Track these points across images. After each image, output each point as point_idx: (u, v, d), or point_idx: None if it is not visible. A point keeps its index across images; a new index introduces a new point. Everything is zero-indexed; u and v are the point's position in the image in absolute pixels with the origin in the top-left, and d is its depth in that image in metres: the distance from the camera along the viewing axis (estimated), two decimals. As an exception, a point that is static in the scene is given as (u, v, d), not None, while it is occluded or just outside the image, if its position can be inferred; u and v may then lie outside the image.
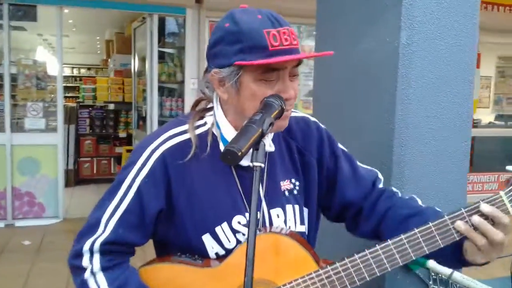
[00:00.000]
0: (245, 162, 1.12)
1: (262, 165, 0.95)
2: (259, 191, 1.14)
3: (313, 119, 1.32)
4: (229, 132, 1.16)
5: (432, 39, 1.66)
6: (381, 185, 1.32)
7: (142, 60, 6.78)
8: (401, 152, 1.68)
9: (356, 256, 1.07)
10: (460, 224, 1.03)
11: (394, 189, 1.32)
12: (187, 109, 6.16)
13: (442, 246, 1.04)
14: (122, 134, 7.89)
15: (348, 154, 1.32)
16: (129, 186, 1.12)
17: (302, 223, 1.23)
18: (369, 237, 1.27)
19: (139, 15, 6.35)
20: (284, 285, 1.10)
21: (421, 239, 1.04)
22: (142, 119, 6.78)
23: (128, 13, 6.65)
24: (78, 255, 1.11)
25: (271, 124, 0.99)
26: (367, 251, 1.06)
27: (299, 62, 1.10)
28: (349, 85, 1.91)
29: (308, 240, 1.23)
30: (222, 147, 1.15)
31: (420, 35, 1.64)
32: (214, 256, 1.16)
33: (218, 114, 1.18)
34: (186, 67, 6.11)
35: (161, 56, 6.25)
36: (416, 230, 1.05)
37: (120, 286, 1.10)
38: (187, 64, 6.11)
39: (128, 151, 7.39)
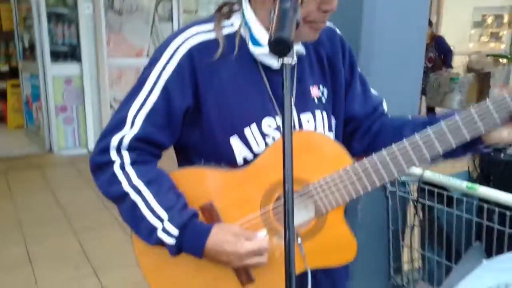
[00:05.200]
0: (275, 63, 1.06)
1: (294, 61, 0.85)
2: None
3: (338, 30, 1.24)
4: (260, 32, 1.05)
5: None
6: (383, 110, 1.27)
7: (21, -18, 5.95)
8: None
9: (394, 146, 1.03)
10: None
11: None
12: (84, 36, 5.62)
13: (483, 132, 1.00)
14: (4, 68, 7.02)
15: (363, 75, 1.26)
16: (155, 83, 1.04)
17: (330, 129, 1.17)
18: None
19: None
20: (319, 182, 1.05)
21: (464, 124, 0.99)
22: (28, 49, 6.04)
23: None
24: (105, 150, 1.04)
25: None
26: (406, 143, 1.02)
27: None
28: None
29: None
30: (252, 48, 1.06)
31: None
32: (242, 162, 1.08)
33: (248, 13, 1.07)
34: (79, -11, 5.48)
35: (45, -24, 5.50)
36: (459, 117, 0.99)
37: (151, 181, 1.03)
38: (79, -15, 5.47)
39: (14, 85, 6.63)
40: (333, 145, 1.07)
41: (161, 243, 1.02)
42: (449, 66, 6.81)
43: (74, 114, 5.67)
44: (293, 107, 1.10)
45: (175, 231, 1.00)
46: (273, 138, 1.07)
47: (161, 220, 1.01)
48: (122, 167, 1.03)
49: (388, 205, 1.92)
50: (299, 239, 1.06)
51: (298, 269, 1.07)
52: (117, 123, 1.04)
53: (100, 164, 1.05)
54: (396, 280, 2.00)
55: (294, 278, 0.78)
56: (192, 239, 1.01)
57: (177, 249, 1.02)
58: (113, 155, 1.03)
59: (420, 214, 1.89)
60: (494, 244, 1.55)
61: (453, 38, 10.50)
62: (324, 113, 1.15)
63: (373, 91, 1.28)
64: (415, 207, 1.83)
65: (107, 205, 4.15)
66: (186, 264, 1.07)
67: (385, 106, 1.29)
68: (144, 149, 1.05)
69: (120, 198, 1.03)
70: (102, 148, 1.04)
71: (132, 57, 6.03)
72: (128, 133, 1.03)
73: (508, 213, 1.50)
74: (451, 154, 1.06)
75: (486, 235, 1.59)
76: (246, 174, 1.06)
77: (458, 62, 10.63)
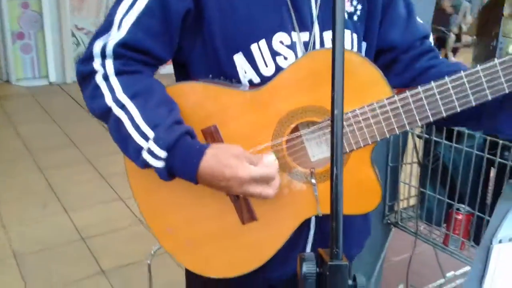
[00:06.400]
0: None
1: None
2: (311, 9, 0.92)
3: None
4: None
5: None
6: (431, 45, 1.08)
7: None
8: None
9: (447, 79, 0.85)
10: None
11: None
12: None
13: None
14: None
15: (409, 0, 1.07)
16: None
17: None
18: None
19: None
20: (346, 113, 0.86)
21: None
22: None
23: None
24: (88, 58, 0.88)
25: None
26: (463, 73, 0.84)
27: None
28: None
29: None
30: None
31: None
32: (247, 85, 0.91)
33: None
34: None
35: None
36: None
37: (138, 93, 0.87)
38: None
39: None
40: (371, 71, 0.88)
41: (149, 166, 0.85)
42: None
43: (33, 42, 5.26)
44: (315, 21, 0.92)
45: (161, 153, 0.84)
46: (285, 58, 0.90)
47: (147, 139, 0.84)
48: (106, 77, 0.87)
49: (389, 140, 1.81)
50: (313, 179, 0.91)
51: (308, 213, 0.94)
52: (104, 27, 0.89)
53: (83, 74, 0.90)
54: (390, 218, 1.94)
55: (341, 222, 0.64)
56: (183, 161, 0.84)
57: (168, 173, 0.85)
58: (97, 64, 0.88)
59: (421, 151, 1.80)
60: (505, 183, 1.49)
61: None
62: (355, 36, 0.97)
63: (419, 20, 1.08)
64: (418, 143, 1.74)
65: (74, 141, 3.94)
66: (180, 193, 0.92)
67: (432, 41, 1.10)
68: (132, 57, 0.88)
69: (104, 115, 0.88)
70: (86, 55, 0.89)
71: (94, -20, 5.57)
72: (113, 37, 0.87)
73: (525, 149, 1.42)
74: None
75: (496, 173, 1.53)
76: (260, 97, 0.89)
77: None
